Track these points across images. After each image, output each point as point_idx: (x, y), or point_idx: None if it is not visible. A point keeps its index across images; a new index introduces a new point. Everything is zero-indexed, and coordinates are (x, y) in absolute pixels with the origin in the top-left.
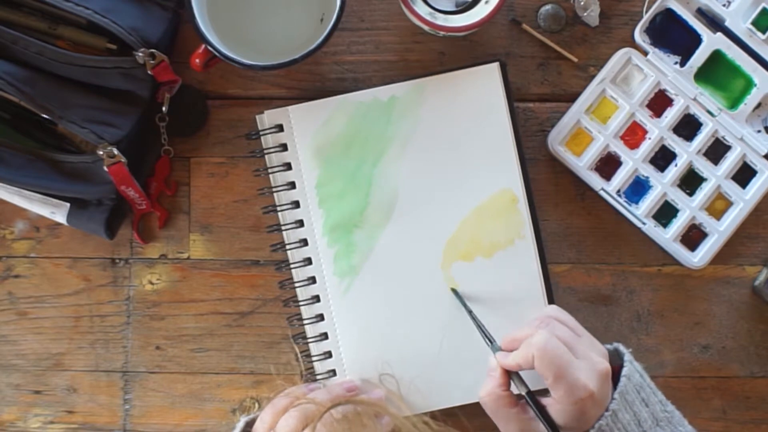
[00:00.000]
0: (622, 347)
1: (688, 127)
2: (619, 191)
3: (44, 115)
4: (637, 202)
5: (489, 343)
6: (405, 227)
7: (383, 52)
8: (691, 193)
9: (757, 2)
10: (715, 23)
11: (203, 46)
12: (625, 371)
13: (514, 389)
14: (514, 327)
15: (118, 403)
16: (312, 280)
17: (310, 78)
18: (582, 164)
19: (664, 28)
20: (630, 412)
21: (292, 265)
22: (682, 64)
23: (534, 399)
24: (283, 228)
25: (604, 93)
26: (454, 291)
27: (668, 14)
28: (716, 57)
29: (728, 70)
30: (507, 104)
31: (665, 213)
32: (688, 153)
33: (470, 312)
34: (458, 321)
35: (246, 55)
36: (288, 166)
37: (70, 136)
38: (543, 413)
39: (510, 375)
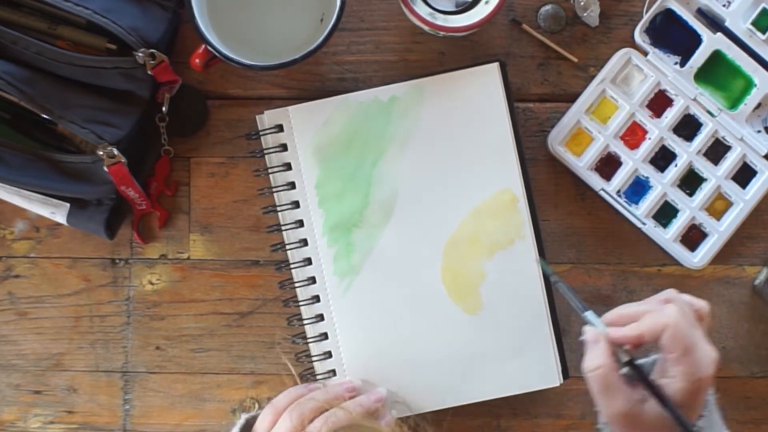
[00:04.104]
0: None
1: (688, 127)
2: (619, 191)
3: (44, 115)
4: (637, 203)
5: (582, 311)
6: (405, 227)
7: (383, 52)
8: (691, 194)
9: (757, 2)
10: (715, 23)
11: (203, 46)
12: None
13: None
14: (514, 327)
15: (118, 403)
16: (312, 280)
17: (310, 78)
18: (582, 164)
19: (664, 29)
20: (718, 423)
21: (292, 265)
22: (682, 64)
23: (640, 370)
24: (283, 228)
25: (604, 93)
26: (541, 261)
27: (668, 14)
28: (716, 57)
29: (728, 71)
30: (507, 104)
31: (665, 213)
32: (688, 153)
33: (556, 282)
34: (458, 321)
35: (246, 55)
36: (288, 167)
37: (70, 136)
38: (651, 385)
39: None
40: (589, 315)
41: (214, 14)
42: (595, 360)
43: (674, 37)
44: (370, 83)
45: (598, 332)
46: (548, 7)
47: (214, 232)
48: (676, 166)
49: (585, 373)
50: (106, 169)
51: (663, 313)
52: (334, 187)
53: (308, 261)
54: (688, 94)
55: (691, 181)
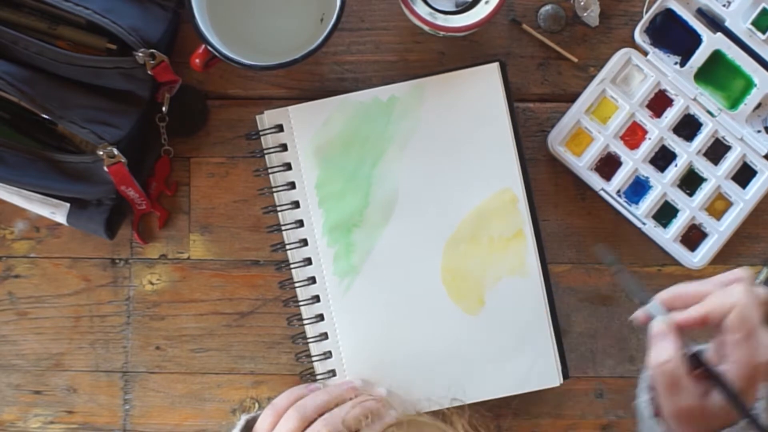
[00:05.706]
0: None
1: (688, 127)
2: (619, 191)
3: (44, 115)
4: (637, 203)
5: (645, 302)
6: (405, 227)
7: (383, 52)
8: (691, 194)
9: (757, 2)
10: (715, 23)
11: (203, 46)
12: None
13: None
14: (514, 327)
15: (118, 403)
16: (312, 280)
17: (310, 78)
18: (582, 164)
19: (664, 28)
20: None
21: (292, 265)
22: (682, 64)
23: (708, 362)
24: (283, 228)
25: (604, 93)
26: (600, 248)
27: (668, 14)
28: (716, 57)
29: (728, 71)
30: (507, 104)
31: (665, 213)
32: (688, 153)
33: (620, 269)
34: (458, 321)
35: (246, 55)
36: (288, 166)
37: (70, 136)
38: (718, 376)
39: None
40: (653, 307)
41: (214, 14)
42: (663, 354)
43: (674, 37)
44: (370, 83)
45: (665, 325)
46: (548, 7)
47: (214, 232)
48: (676, 166)
49: (652, 367)
50: (106, 169)
51: (730, 292)
52: (334, 187)
53: (308, 261)
54: (688, 94)
55: (691, 181)
